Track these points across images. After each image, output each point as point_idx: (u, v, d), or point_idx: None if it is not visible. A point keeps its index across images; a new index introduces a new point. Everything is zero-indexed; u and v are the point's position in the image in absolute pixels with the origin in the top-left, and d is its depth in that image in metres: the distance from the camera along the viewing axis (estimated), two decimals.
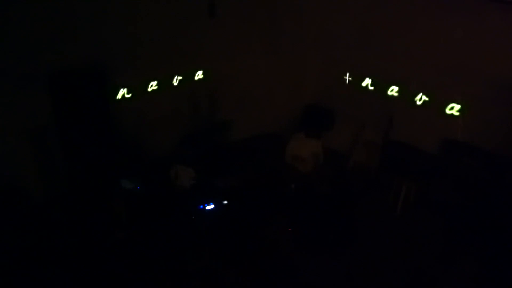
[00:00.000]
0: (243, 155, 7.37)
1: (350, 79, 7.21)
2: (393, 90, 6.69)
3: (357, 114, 7.27)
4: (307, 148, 7.00)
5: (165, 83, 6.67)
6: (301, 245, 5.71)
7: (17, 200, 5.61)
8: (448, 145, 6.43)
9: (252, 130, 7.79)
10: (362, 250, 5.68)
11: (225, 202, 6.12)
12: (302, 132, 7.09)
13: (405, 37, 6.44)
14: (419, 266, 5.42)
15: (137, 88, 6.41)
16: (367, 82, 6.97)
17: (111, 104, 6.10)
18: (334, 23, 7.15)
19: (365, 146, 7.24)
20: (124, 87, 6.25)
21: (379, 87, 6.86)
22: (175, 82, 6.80)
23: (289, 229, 5.95)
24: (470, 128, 6.15)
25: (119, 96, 6.25)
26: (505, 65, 5.66)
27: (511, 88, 5.65)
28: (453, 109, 6.19)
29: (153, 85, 6.55)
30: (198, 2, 6.58)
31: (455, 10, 5.89)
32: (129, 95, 6.33)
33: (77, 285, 5.01)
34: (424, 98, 6.45)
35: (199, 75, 7.03)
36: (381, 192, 6.69)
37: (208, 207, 6.00)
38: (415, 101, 6.53)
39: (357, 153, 7.34)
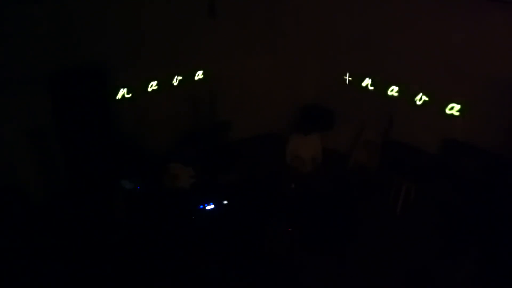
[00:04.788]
0: (243, 155, 7.37)
1: (350, 79, 7.21)
2: (393, 90, 6.69)
3: (357, 114, 7.27)
4: (307, 148, 7.00)
5: (165, 83, 6.67)
6: (301, 245, 5.71)
7: (17, 200, 5.61)
8: (448, 145, 6.43)
9: (252, 130, 7.79)
10: (362, 250, 5.68)
11: (225, 202, 6.12)
12: (300, 133, 7.09)
13: (405, 37, 6.43)
14: (419, 266, 5.42)
15: (137, 88, 6.42)
16: (367, 82, 6.97)
17: (111, 104, 6.10)
18: (334, 23, 7.15)
19: (365, 146, 7.24)
20: (124, 87, 6.26)
21: (379, 87, 6.86)
22: (175, 82, 6.80)
23: (289, 229, 5.95)
24: (470, 128, 6.15)
25: (119, 96, 6.25)
26: (505, 65, 5.66)
27: (511, 88, 5.65)
28: (453, 109, 6.19)
29: (153, 85, 6.55)
30: (198, 2, 6.58)
31: (455, 10, 5.89)
32: (129, 95, 6.34)
33: (77, 285, 5.01)
34: (424, 98, 6.45)
35: (199, 75, 7.03)
36: (381, 192, 6.69)
37: (208, 207, 6.00)
38: (415, 101, 6.53)
39: (357, 153, 7.34)
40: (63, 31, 5.53)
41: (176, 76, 6.78)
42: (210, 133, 7.32)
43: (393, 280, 5.25)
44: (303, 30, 7.40)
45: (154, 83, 6.55)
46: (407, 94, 6.58)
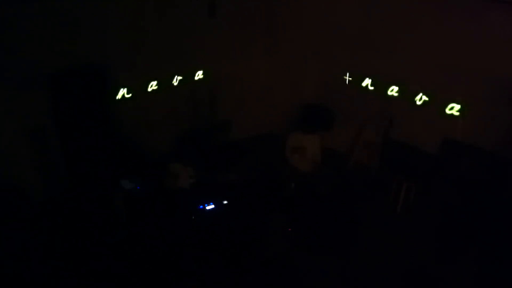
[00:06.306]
0: (243, 155, 7.37)
1: (350, 79, 7.21)
2: (393, 90, 6.69)
3: (357, 114, 7.27)
4: (306, 146, 7.00)
5: (165, 83, 6.67)
6: (301, 245, 5.71)
7: (17, 199, 5.61)
8: (448, 145, 6.43)
9: (252, 130, 7.79)
10: (362, 250, 5.69)
11: (225, 202, 6.12)
12: (300, 131, 7.09)
13: (405, 37, 6.43)
14: (419, 266, 5.42)
15: (137, 88, 6.41)
16: (367, 82, 6.97)
17: (111, 104, 6.10)
18: (334, 23, 7.15)
19: (365, 146, 7.24)
20: (124, 87, 6.25)
21: (379, 87, 6.86)
22: (175, 82, 6.80)
23: (289, 229, 5.95)
24: (470, 128, 6.15)
25: (119, 96, 6.25)
26: (505, 65, 5.66)
27: (511, 88, 5.65)
28: (453, 109, 6.19)
29: (153, 85, 6.55)
30: (198, 2, 6.58)
31: (455, 9, 5.89)
32: (129, 95, 6.33)
33: (77, 285, 5.01)
34: (424, 98, 6.45)
35: (199, 75, 7.03)
36: (381, 192, 6.69)
37: (208, 207, 6.00)
38: (415, 101, 6.53)
39: (357, 153, 7.34)
40: (63, 31, 5.53)
41: (176, 76, 6.78)
42: (210, 133, 7.32)
43: (393, 280, 5.25)
44: (303, 30, 7.40)
45: (154, 83, 6.55)
46: (407, 94, 6.58)
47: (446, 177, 6.30)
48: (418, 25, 6.29)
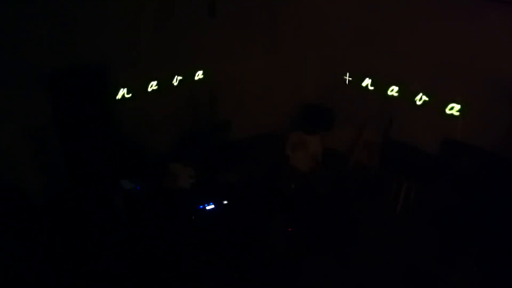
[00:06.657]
0: (243, 155, 7.37)
1: (350, 79, 7.21)
2: (393, 90, 6.69)
3: (357, 114, 7.27)
4: (307, 146, 7.00)
5: (165, 83, 6.67)
6: (301, 245, 5.71)
7: (17, 200, 5.61)
8: (448, 145, 6.43)
9: (252, 130, 7.79)
10: (362, 250, 5.69)
11: (225, 202, 6.12)
12: (300, 131, 7.09)
13: (405, 37, 6.44)
14: (419, 266, 5.42)
15: (137, 88, 6.41)
16: (367, 82, 6.97)
17: (111, 104, 6.10)
18: (334, 23, 7.15)
19: (365, 146, 7.24)
20: (124, 87, 6.25)
21: (379, 87, 6.86)
22: (175, 82, 6.80)
23: (289, 229, 5.95)
24: (470, 128, 6.15)
25: (119, 96, 6.25)
26: (505, 65, 5.66)
27: (511, 88, 5.65)
28: (453, 109, 6.19)
29: (153, 85, 6.55)
30: (198, 2, 6.58)
31: (455, 9, 5.89)
32: (129, 95, 6.34)
33: (77, 285, 5.01)
34: (424, 98, 6.45)
35: (199, 75, 7.03)
36: (381, 192, 6.69)
37: (208, 207, 6.01)
38: (415, 101, 6.53)
39: (357, 153, 7.34)
40: (63, 31, 5.53)
41: (176, 76, 6.78)
42: (210, 133, 7.32)
43: (392, 280, 5.25)
44: (303, 29, 7.40)
45: (154, 83, 6.55)
46: (407, 94, 6.58)
47: (446, 177, 6.30)
48: (418, 25, 6.29)
